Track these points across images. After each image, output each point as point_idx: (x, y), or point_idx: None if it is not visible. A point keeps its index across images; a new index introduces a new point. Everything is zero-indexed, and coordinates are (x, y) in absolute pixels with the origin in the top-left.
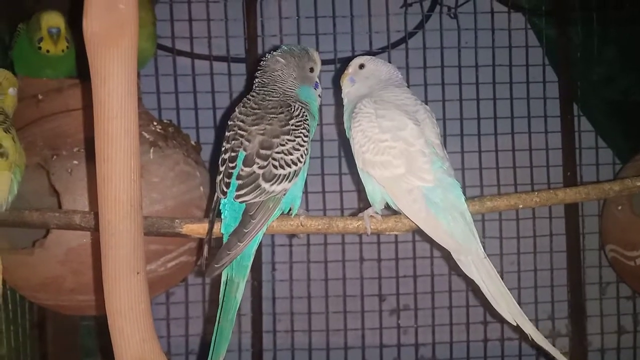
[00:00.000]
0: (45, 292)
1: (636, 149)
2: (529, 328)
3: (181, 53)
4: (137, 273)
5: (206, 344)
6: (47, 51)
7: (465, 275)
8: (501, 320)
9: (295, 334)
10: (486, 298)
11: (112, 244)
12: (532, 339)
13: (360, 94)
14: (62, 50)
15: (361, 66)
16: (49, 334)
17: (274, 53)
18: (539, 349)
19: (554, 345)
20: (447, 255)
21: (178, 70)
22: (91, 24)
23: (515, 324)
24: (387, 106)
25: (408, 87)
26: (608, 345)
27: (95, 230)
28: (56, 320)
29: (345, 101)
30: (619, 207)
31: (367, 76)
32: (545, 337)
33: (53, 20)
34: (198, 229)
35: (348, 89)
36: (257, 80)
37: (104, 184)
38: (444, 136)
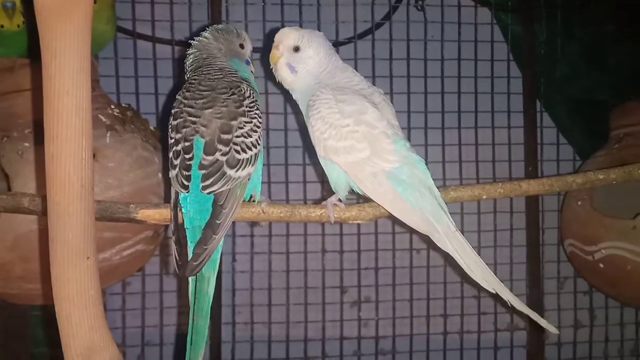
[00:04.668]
0: None
1: (596, 146)
2: (507, 295)
3: (142, 36)
4: (87, 258)
5: (165, 335)
6: (2, 26)
7: (427, 267)
8: (460, 312)
9: (254, 325)
10: (463, 270)
11: (61, 227)
12: (511, 305)
13: (309, 82)
14: (18, 26)
15: (296, 49)
16: None
17: (200, 35)
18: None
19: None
20: (409, 246)
21: (138, 54)
22: None
23: (493, 292)
24: (345, 91)
25: (374, 78)
26: (565, 339)
27: (44, 214)
28: (6, 310)
29: (293, 93)
30: (579, 202)
31: (306, 60)
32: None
33: None
34: (154, 214)
35: (290, 79)
36: (188, 65)
37: (53, 164)
38: (408, 129)
